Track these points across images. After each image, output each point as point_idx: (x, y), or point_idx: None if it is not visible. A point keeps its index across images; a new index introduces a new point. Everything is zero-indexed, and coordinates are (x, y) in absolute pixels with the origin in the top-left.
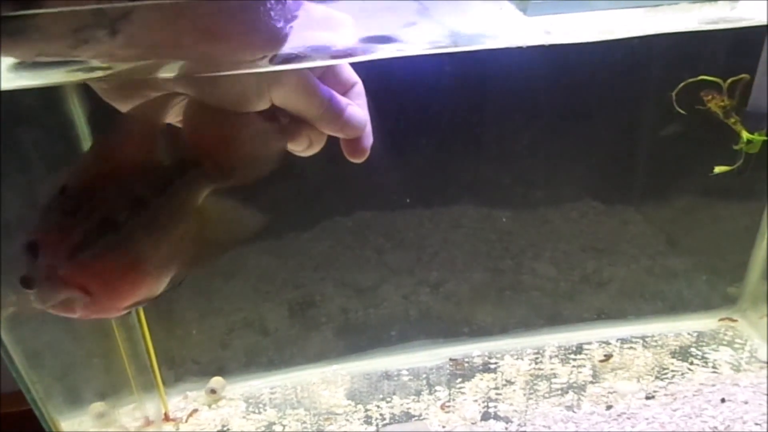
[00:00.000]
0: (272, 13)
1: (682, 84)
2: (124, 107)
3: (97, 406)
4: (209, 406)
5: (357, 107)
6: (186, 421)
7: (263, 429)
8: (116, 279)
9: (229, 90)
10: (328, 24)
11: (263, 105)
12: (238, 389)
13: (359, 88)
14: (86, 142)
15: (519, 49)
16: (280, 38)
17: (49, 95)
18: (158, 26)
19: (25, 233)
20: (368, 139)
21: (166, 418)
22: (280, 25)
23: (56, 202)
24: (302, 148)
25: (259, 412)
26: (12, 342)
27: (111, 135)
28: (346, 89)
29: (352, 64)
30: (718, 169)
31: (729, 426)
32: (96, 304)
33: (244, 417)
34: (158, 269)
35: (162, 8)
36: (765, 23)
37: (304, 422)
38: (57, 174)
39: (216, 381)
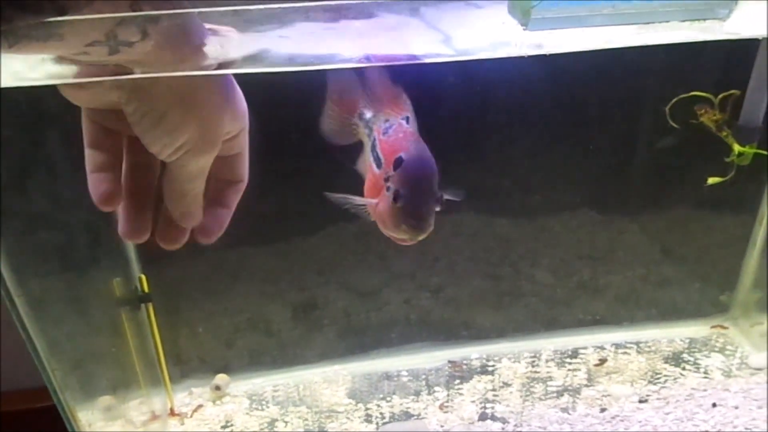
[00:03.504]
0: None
1: (675, 99)
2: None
3: (106, 400)
4: (213, 402)
5: (218, 217)
6: (191, 417)
7: (266, 425)
8: None
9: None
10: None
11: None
12: (241, 387)
13: (242, 186)
14: None
15: (519, 60)
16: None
17: None
18: (147, 58)
19: None
20: (185, 237)
21: (172, 413)
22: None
23: None
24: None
25: (262, 409)
26: (35, 330)
27: None
28: (234, 181)
29: None
30: (711, 181)
31: (720, 430)
32: None
33: (247, 413)
34: None
35: (163, 50)
36: (747, 38)
37: (306, 419)
38: None
39: (220, 378)
